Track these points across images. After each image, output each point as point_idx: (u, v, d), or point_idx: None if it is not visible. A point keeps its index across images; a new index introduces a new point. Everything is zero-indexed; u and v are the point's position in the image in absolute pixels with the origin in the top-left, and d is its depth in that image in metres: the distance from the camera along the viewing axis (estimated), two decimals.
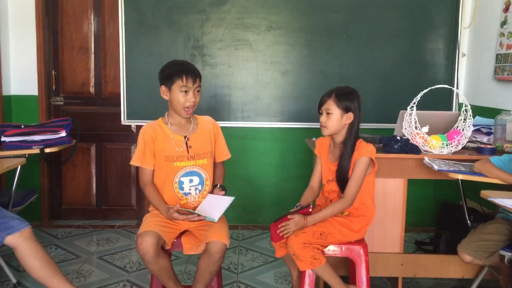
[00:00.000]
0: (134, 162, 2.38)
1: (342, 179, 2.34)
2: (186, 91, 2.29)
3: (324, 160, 2.46)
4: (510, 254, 2.49)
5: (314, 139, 3.01)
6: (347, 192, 2.30)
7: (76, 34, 4.02)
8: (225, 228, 2.29)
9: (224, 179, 2.52)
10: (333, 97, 2.31)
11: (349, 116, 2.31)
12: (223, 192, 2.40)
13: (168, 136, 2.36)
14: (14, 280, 2.90)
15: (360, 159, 2.29)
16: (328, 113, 2.32)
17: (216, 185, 2.44)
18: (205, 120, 2.49)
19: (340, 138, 2.37)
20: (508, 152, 2.64)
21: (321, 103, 2.35)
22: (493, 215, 2.91)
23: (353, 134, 2.33)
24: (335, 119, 2.31)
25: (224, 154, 2.52)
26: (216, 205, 2.30)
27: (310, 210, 2.30)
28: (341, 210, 2.32)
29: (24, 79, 3.94)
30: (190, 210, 2.28)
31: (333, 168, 2.39)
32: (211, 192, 2.42)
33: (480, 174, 2.40)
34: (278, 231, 2.26)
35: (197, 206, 2.37)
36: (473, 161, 2.53)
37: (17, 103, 3.97)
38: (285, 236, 2.27)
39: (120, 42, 3.76)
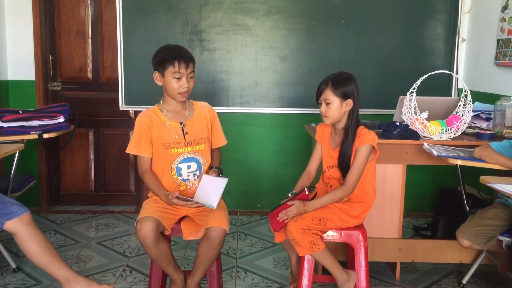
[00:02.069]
0: (129, 150, 2.37)
1: (344, 166, 2.33)
2: (179, 77, 2.26)
3: (325, 146, 2.46)
4: (508, 239, 2.51)
5: (313, 124, 3.01)
6: (348, 180, 2.29)
7: (73, 18, 3.98)
8: (224, 214, 2.29)
9: (220, 163, 2.52)
10: (330, 86, 2.28)
11: (349, 103, 2.30)
12: (214, 173, 2.37)
13: (164, 123, 2.35)
14: (13, 265, 2.91)
15: (361, 147, 2.29)
16: (327, 103, 2.30)
17: (212, 167, 2.42)
18: (201, 105, 2.47)
19: (341, 124, 2.36)
20: (507, 138, 2.64)
21: (319, 94, 2.33)
22: (490, 201, 2.93)
23: (354, 119, 2.32)
24: (335, 108, 2.30)
25: (220, 141, 2.51)
26: (212, 189, 2.28)
27: (307, 193, 2.30)
28: (341, 197, 2.32)
29: (21, 64, 3.91)
30: (189, 198, 2.28)
31: (334, 155, 2.39)
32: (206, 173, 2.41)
33: (479, 160, 2.40)
34: (278, 218, 2.27)
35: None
36: (472, 146, 2.54)
37: (14, 88, 3.95)
38: (285, 222, 2.27)
39: (118, 27, 3.73)
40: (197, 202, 2.24)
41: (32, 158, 3.98)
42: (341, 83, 2.28)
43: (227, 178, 2.29)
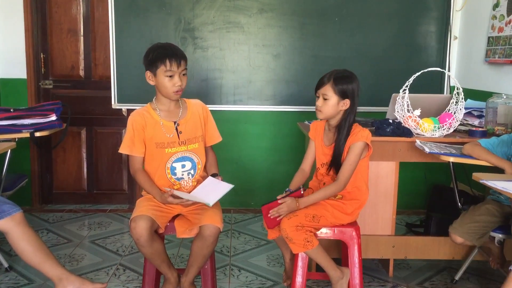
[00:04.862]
0: (123, 150, 2.35)
1: (336, 163, 2.33)
2: (171, 76, 2.25)
3: (319, 143, 2.46)
4: (500, 235, 2.54)
5: (307, 122, 3.01)
6: (340, 176, 2.30)
7: (65, 16, 3.95)
8: (218, 212, 2.28)
9: (218, 169, 2.48)
10: (332, 82, 2.27)
11: (346, 103, 2.29)
12: (220, 178, 2.37)
13: (158, 123, 2.33)
14: (6, 265, 2.90)
15: (355, 144, 2.29)
16: (325, 98, 2.30)
17: (216, 174, 2.40)
18: (194, 103, 2.45)
19: (334, 122, 2.36)
20: (498, 135, 2.66)
21: (319, 86, 2.31)
22: (482, 197, 2.95)
23: (348, 120, 2.31)
24: (331, 105, 2.29)
25: (215, 137, 2.49)
26: (214, 190, 2.28)
27: (302, 192, 2.30)
28: (333, 193, 2.32)
29: (12, 62, 3.88)
30: (185, 193, 2.27)
31: (327, 152, 2.39)
32: None
33: (471, 157, 2.42)
34: (269, 215, 2.27)
35: (191, 191, 2.35)
36: (464, 144, 2.55)
37: (5, 86, 3.92)
38: (277, 219, 2.27)
39: (110, 25, 3.70)
40: (193, 202, 2.24)
41: (24, 156, 3.95)
42: (343, 81, 2.27)
43: (233, 185, 2.28)
